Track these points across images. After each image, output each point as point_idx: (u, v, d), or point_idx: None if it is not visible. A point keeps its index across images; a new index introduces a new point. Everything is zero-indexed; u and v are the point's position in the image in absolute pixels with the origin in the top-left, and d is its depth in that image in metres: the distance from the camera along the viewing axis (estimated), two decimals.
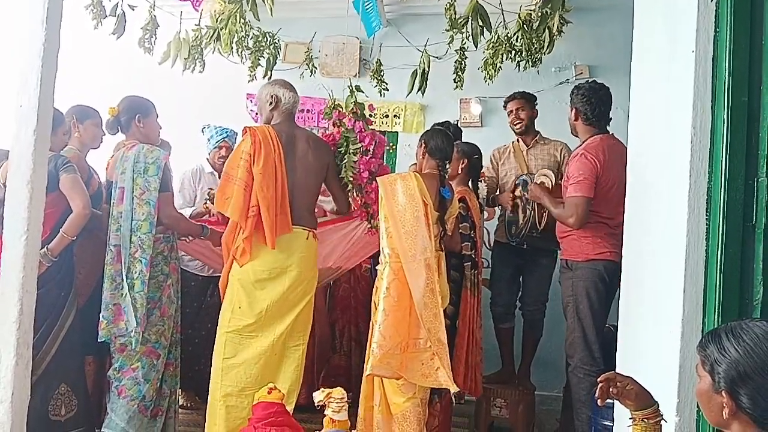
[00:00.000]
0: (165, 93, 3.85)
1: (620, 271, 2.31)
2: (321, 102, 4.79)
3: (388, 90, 4.08)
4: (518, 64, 3.87)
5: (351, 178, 3.10)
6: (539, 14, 3.52)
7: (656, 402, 1.59)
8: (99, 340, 2.82)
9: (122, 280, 2.82)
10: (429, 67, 3.83)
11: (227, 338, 2.86)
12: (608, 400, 1.60)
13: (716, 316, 1.85)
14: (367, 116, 3.29)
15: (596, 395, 1.59)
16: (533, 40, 3.69)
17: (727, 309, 1.85)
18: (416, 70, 3.86)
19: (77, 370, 2.90)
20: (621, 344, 2.31)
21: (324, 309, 3.94)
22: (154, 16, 4.07)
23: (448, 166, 3.07)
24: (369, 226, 3.28)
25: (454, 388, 2.65)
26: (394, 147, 5.02)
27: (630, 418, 1.60)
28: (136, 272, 2.83)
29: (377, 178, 2.96)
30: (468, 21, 3.45)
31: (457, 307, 3.19)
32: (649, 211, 2.16)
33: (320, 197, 3.21)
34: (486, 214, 3.69)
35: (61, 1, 2.53)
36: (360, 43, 4.97)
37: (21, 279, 2.39)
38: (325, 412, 2.42)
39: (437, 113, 4.81)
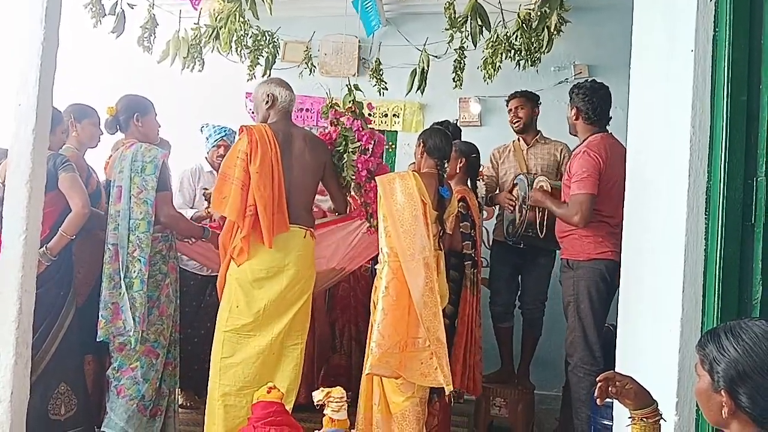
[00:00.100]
0: (164, 92, 3.86)
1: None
2: (320, 101, 4.78)
3: (387, 89, 4.08)
4: (517, 64, 3.87)
5: (352, 177, 3.10)
6: (538, 13, 3.52)
7: (655, 401, 1.59)
8: (98, 340, 2.82)
9: (120, 279, 2.82)
10: (428, 67, 3.84)
11: (225, 337, 2.86)
12: (607, 400, 1.60)
13: (715, 316, 1.85)
14: (366, 115, 3.29)
15: (595, 394, 1.59)
16: (532, 40, 3.69)
17: (726, 308, 1.85)
18: (415, 69, 3.87)
19: (77, 370, 2.89)
20: (620, 343, 2.31)
21: (324, 308, 3.94)
22: (153, 14, 4.06)
23: (446, 165, 3.07)
24: (368, 225, 3.27)
25: (449, 388, 2.65)
26: (393, 146, 5.02)
27: (629, 417, 1.60)
28: (134, 271, 2.83)
29: (376, 178, 2.96)
30: (467, 20, 3.46)
31: (456, 307, 3.19)
32: (648, 210, 2.16)
33: (317, 196, 3.21)
34: (485, 214, 3.69)
35: (60, 0, 2.52)
36: (359, 42, 4.97)
37: (20, 278, 2.38)
38: (325, 412, 2.43)
39: (436, 112, 4.80)
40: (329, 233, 3.40)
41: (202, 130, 4.01)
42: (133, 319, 2.79)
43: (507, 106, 3.86)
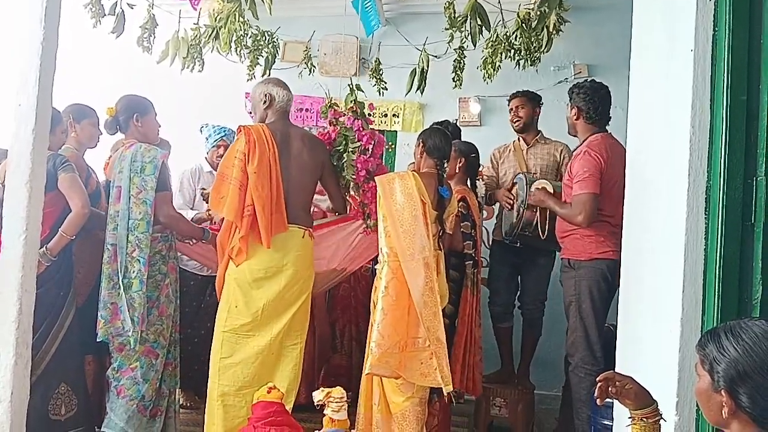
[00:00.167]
0: (164, 92, 3.85)
1: None
2: (320, 101, 4.77)
3: (387, 89, 4.07)
4: (517, 63, 3.87)
5: (352, 177, 3.10)
6: (537, 13, 3.52)
7: (655, 401, 1.59)
8: (97, 340, 2.82)
9: (119, 280, 2.81)
10: (428, 66, 3.83)
11: (224, 338, 2.86)
12: (607, 400, 1.60)
13: (715, 315, 1.85)
14: (367, 115, 3.29)
15: (595, 395, 1.59)
16: (532, 39, 3.69)
17: (726, 308, 1.85)
18: (415, 69, 3.86)
19: (77, 370, 2.90)
20: (620, 343, 2.31)
21: (324, 308, 3.94)
22: (153, 14, 4.06)
23: (446, 165, 3.07)
24: (365, 225, 3.27)
25: (447, 389, 2.64)
26: (392, 146, 5.02)
27: (629, 417, 1.60)
28: (134, 271, 2.83)
29: (375, 178, 2.96)
30: (467, 20, 3.45)
31: (456, 307, 3.19)
32: (648, 210, 2.16)
33: (316, 196, 3.21)
34: (485, 213, 3.69)
35: (59, 0, 2.52)
36: (359, 42, 4.97)
37: (20, 278, 2.39)
38: (325, 412, 2.43)
39: (436, 112, 4.80)
40: (330, 234, 3.40)
41: (201, 131, 4.01)
42: (132, 320, 2.79)
43: (508, 105, 3.87)
